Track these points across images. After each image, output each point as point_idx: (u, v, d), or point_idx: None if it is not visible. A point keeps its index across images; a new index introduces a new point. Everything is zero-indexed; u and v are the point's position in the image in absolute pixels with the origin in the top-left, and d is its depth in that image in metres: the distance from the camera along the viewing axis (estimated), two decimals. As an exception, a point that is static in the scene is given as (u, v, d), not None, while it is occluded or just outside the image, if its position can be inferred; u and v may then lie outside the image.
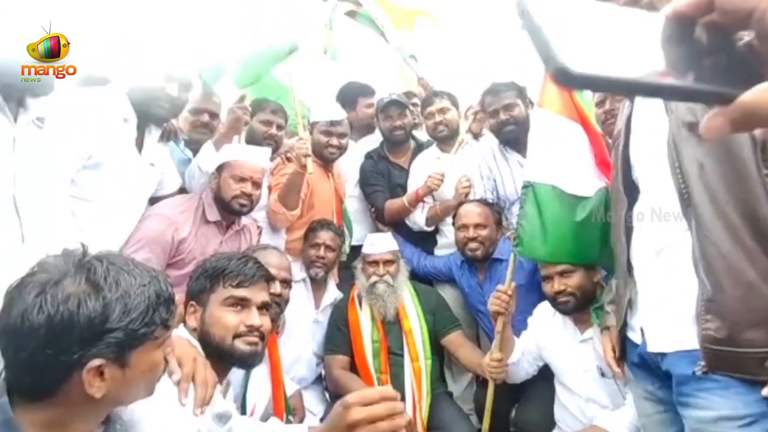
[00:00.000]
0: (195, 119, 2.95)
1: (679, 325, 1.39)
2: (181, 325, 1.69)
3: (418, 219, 3.35)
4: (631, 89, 0.48)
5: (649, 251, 1.50)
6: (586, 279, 2.28)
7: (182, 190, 2.75)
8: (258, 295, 1.72)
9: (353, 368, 2.88)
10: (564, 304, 2.32)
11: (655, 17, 0.46)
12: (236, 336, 1.64)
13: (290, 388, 2.62)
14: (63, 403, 1.00)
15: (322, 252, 2.96)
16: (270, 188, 3.06)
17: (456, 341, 2.90)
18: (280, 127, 3.13)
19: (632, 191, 1.57)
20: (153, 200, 2.57)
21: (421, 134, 3.80)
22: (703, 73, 0.44)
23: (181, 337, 1.60)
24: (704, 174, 1.30)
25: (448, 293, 3.15)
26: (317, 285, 3.06)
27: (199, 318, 1.67)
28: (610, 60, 0.42)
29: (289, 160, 3.08)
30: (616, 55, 0.43)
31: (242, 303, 1.68)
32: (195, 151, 2.85)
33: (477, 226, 2.87)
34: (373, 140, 3.83)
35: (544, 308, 2.51)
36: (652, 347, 1.50)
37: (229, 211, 2.54)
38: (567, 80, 0.41)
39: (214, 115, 2.95)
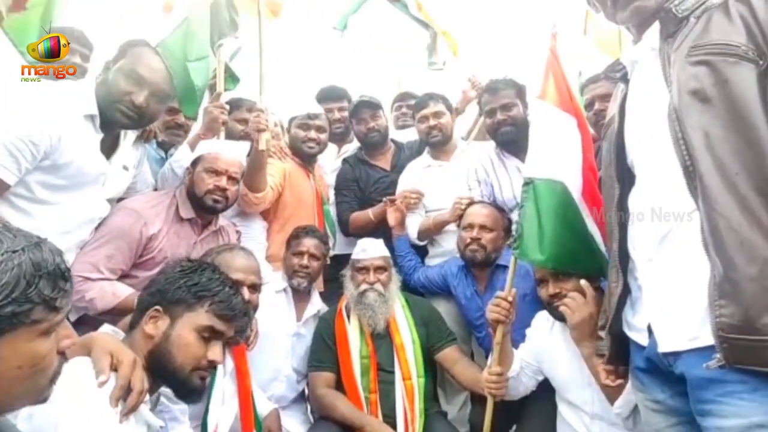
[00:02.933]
0: (169, 119, 2.84)
1: (692, 319, 1.23)
2: (105, 324, 1.53)
3: (409, 232, 3.19)
4: None
5: (651, 240, 1.36)
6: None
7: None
8: (230, 331, 1.60)
9: (339, 386, 2.67)
10: (558, 310, 2.12)
11: None
12: (195, 368, 1.50)
13: (266, 408, 2.43)
14: None
15: (305, 261, 2.77)
16: None
17: (451, 357, 2.70)
18: None
19: (626, 178, 1.49)
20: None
21: (406, 135, 3.66)
22: None
23: (113, 336, 1.46)
24: (711, 143, 1.20)
25: (441, 308, 2.95)
26: (299, 295, 2.86)
27: (162, 330, 1.50)
28: None
29: (269, 156, 2.97)
30: None
31: (214, 335, 1.54)
32: (167, 152, 2.73)
33: (482, 227, 2.72)
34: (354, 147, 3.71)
35: (542, 317, 2.33)
36: (663, 347, 1.33)
37: (203, 208, 2.38)
38: None
39: (188, 117, 2.84)
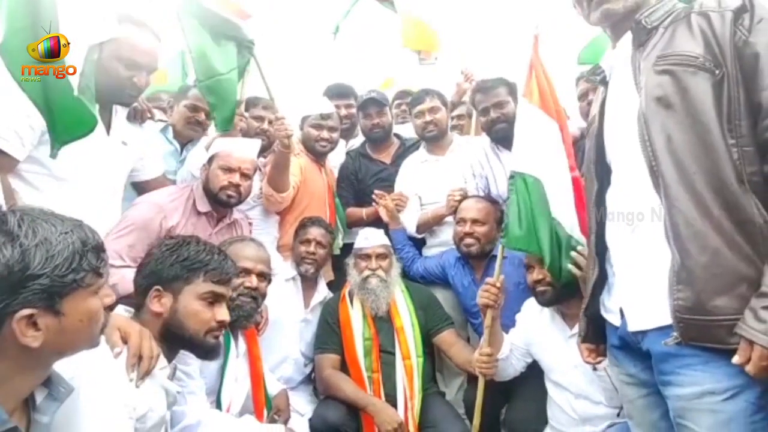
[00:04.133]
0: (191, 116, 2.95)
1: (656, 301, 1.37)
2: (119, 306, 1.67)
3: (408, 226, 3.30)
4: None
5: (623, 231, 1.50)
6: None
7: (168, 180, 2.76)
8: (229, 291, 1.77)
9: (344, 367, 2.82)
10: (541, 295, 2.29)
11: None
12: (207, 331, 1.67)
13: (275, 388, 2.57)
14: (1, 357, 1.00)
15: (312, 248, 2.92)
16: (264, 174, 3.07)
17: (448, 339, 2.85)
18: (271, 122, 3.10)
19: (604, 175, 1.59)
20: (137, 186, 2.57)
21: (408, 130, 3.77)
22: None
23: (120, 315, 1.61)
24: (671, 145, 1.33)
25: (439, 295, 3.08)
26: (307, 284, 3.01)
27: (169, 306, 1.65)
28: None
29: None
30: None
31: (217, 298, 1.69)
32: (182, 145, 2.84)
33: (475, 221, 2.83)
34: (359, 142, 3.83)
35: (532, 303, 2.46)
36: (632, 326, 1.48)
37: (218, 203, 2.52)
38: None
39: (208, 114, 2.94)
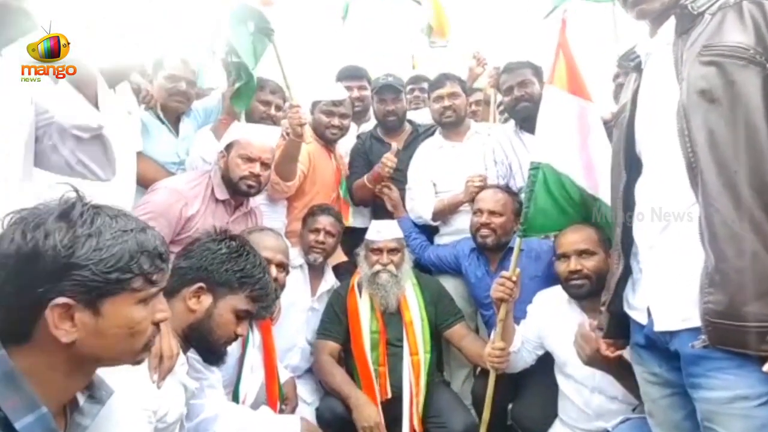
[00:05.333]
0: (172, 86, 2.81)
1: (686, 302, 1.35)
2: None
3: (423, 212, 3.23)
4: None
5: (654, 229, 1.46)
6: (604, 264, 2.14)
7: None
8: (256, 309, 1.74)
9: (348, 357, 2.81)
10: (577, 288, 2.21)
11: None
12: (226, 341, 1.67)
13: (283, 376, 2.56)
14: (38, 349, 0.96)
15: (321, 237, 2.89)
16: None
17: (459, 333, 2.84)
18: (278, 108, 3.06)
19: (633, 166, 1.54)
20: None
21: (421, 116, 3.72)
22: None
23: None
24: (714, 141, 1.27)
25: (449, 284, 3.06)
26: (314, 272, 2.99)
27: (206, 308, 1.62)
28: None
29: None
30: None
31: (247, 315, 1.69)
32: (170, 121, 2.76)
33: (492, 213, 2.79)
34: (371, 126, 3.77)
35: (548, 295, 2.43)
36: (660, 326, 1.45)
37: (237, 192, 2.48)
38: None
39: (191, 83, 2.84)
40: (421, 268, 3.13)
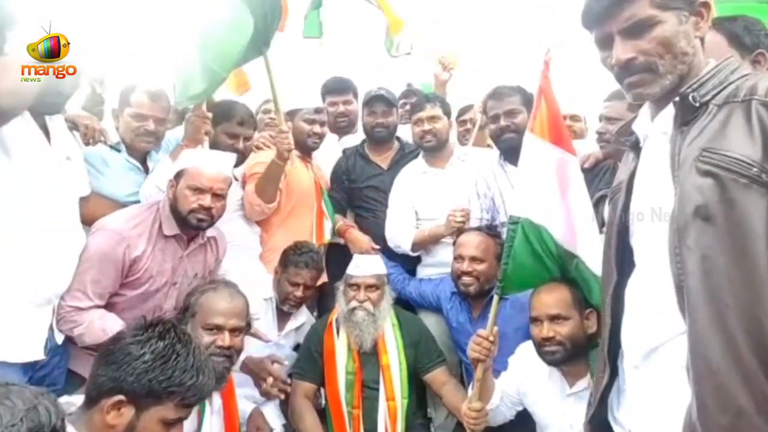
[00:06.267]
0: (138, 126, 2.53)
1: None
2: (64, 396, 1.49)
3: (402, 243, 3.08)
4: None
5: (641, 348, 1.29)
6: (578, 329, 2.08)
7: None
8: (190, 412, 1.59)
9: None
10: (551, 354, 2.11)
11: None
12: None
13: (248, 407, 2.46)
14: None
15: (300, 293, 2.78)
16: (245, 177, 2.88)
17: (439, 379, 2.70)
18: (247, 139, 2.84)
19: (625, 264, 1.37)
20: None
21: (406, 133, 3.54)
22: None
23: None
24: (706, 267, 1.09)
25: (431, 320, 2.92)
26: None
27: (127, 422, 1.43)
28: None
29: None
30: None
31: (179, 421, 1.52)
32: (138, 158, 2.58)
33: (473, 259, 2.63)
34: (357, 139, 3.60)
35: (529, 349, 2.28)
36: None
37: (187, 225, 2.26)
38: None
39: (160, 121, 2.58)
40: (402, 303, 2.98)
